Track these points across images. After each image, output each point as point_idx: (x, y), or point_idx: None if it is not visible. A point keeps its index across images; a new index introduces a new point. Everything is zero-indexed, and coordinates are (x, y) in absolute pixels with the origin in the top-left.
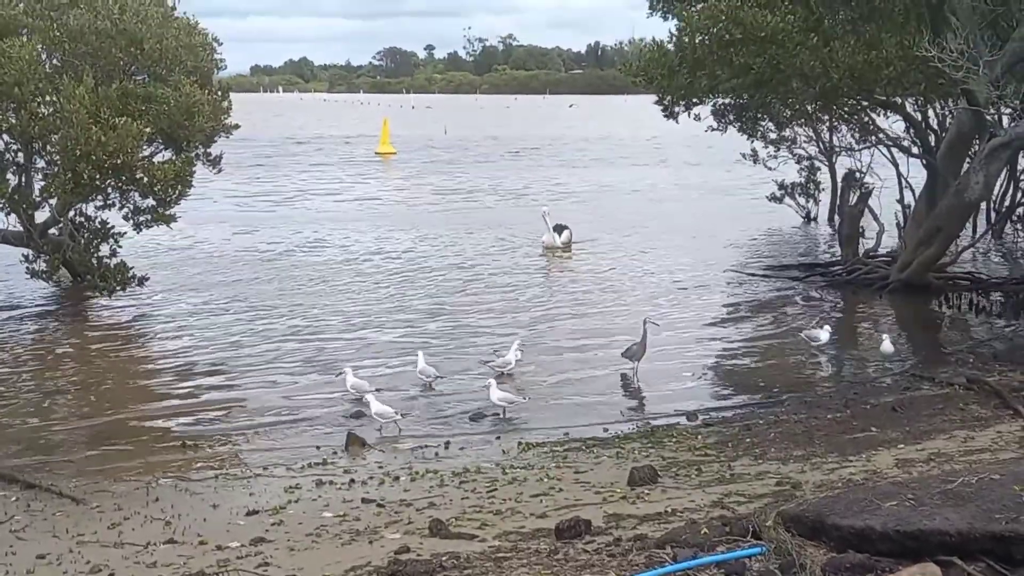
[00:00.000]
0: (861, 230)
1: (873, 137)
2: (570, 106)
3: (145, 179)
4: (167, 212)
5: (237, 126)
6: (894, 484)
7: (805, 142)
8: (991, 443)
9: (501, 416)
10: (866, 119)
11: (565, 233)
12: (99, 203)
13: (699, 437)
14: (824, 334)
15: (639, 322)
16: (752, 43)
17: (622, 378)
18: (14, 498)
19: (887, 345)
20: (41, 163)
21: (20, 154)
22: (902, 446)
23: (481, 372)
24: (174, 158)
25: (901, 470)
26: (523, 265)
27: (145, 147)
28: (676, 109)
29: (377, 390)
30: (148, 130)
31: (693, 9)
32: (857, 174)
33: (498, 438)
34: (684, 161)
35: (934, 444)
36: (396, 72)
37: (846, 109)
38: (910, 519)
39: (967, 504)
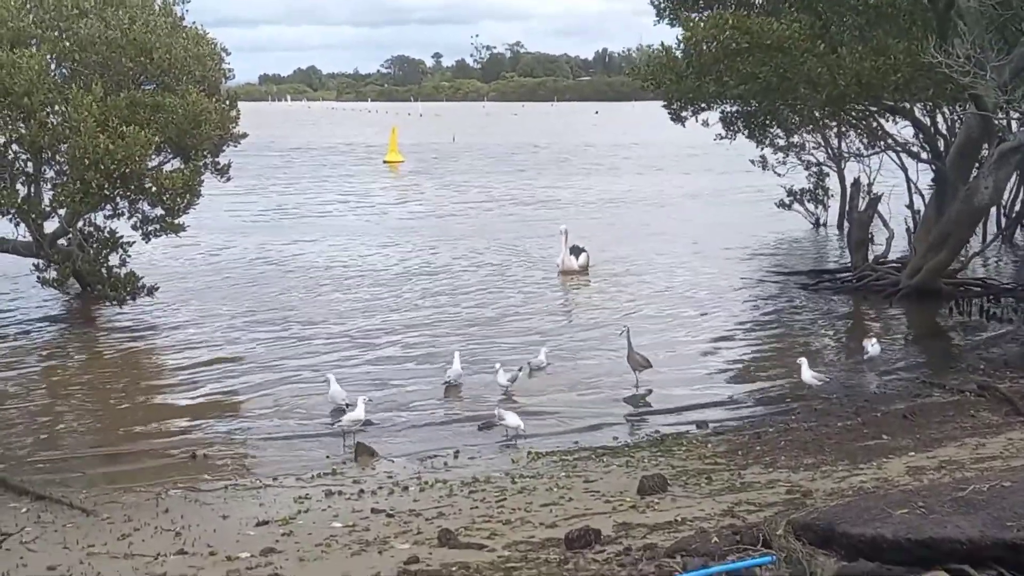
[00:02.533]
0: (871, 236)
1: (882, 143)
2: (595, 112)
3: (153, 188)
4: (175, 221)
5: (245, 135)
6: (905, 492)
7: (814, 148)
8: (1002, 450)
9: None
10: (874, 124)
11: (583, 256)
12: (108, 212)
13: (709, 445)
14: (874, 347)
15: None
16: (759, 51)
17: (632, 387)
18: (24, 510)
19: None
20: (50, 173)
21: (29, 164)
22: (913, 454)
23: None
24: (182, 167)
25: (912, 478)
26: (537, 277)
27: (153, 156)
28: (684, 114)
29: (369, 398)
30: (156, 139)
31: (699, 17)
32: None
33: (507, 447)
34: (693, 168)
35: (945, 451)
36: (404, 80)
37: (854, 115)
38: (921, 527)
39: (979, 512)
